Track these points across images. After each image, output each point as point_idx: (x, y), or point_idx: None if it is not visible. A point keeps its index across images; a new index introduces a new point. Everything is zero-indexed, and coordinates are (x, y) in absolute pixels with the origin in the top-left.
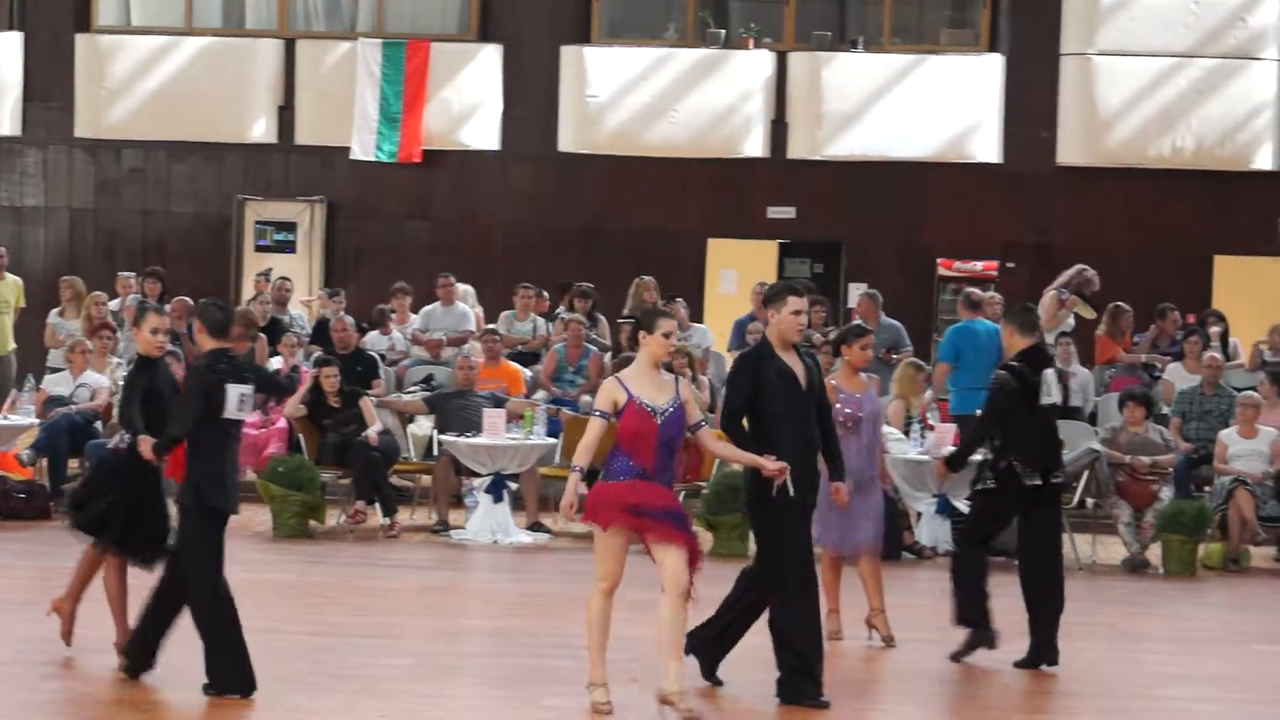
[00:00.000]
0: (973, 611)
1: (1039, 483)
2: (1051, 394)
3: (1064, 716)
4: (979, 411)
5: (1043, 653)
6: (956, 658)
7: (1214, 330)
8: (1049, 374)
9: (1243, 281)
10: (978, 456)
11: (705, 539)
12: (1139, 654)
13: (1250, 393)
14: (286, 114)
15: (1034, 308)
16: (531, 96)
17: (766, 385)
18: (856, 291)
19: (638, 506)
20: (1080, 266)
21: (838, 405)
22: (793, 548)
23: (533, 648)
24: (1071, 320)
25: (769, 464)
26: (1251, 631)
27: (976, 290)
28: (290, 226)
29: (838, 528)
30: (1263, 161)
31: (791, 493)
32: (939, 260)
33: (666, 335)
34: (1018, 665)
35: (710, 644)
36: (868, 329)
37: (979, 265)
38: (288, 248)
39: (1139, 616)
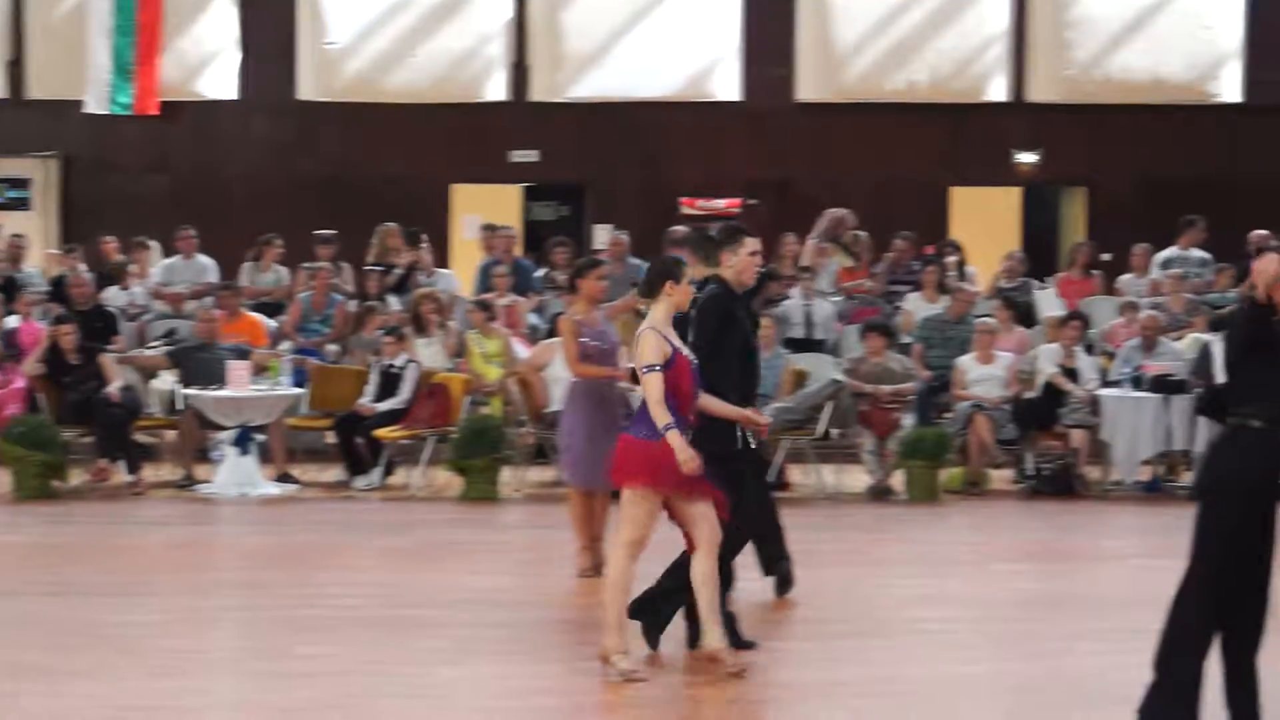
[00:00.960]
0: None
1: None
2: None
3: (815, 641)
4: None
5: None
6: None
7: (950, 260)
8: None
9: (977, 211)
10: None
11: (456, 483)
12: (885, 578)
13: (987, 319)
14: (16, 68)
15: (715, 236)
16: (269, 44)
17: (739, 329)
18: (602, 232)
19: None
20: (831, 211)
21: (582, 340)
22: (751, 498)
23: (284, 598)
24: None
25: (758, 418)
26: (991, 552)
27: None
28: (24, 183)
29: (585, 463)
30: (995, 93)
31: (753, 444)
32: (682, 199)
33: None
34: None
35: (655, 608)
36: (601, 261)
37: (722, 203)
38: (22, 205)
39: (884, 542)
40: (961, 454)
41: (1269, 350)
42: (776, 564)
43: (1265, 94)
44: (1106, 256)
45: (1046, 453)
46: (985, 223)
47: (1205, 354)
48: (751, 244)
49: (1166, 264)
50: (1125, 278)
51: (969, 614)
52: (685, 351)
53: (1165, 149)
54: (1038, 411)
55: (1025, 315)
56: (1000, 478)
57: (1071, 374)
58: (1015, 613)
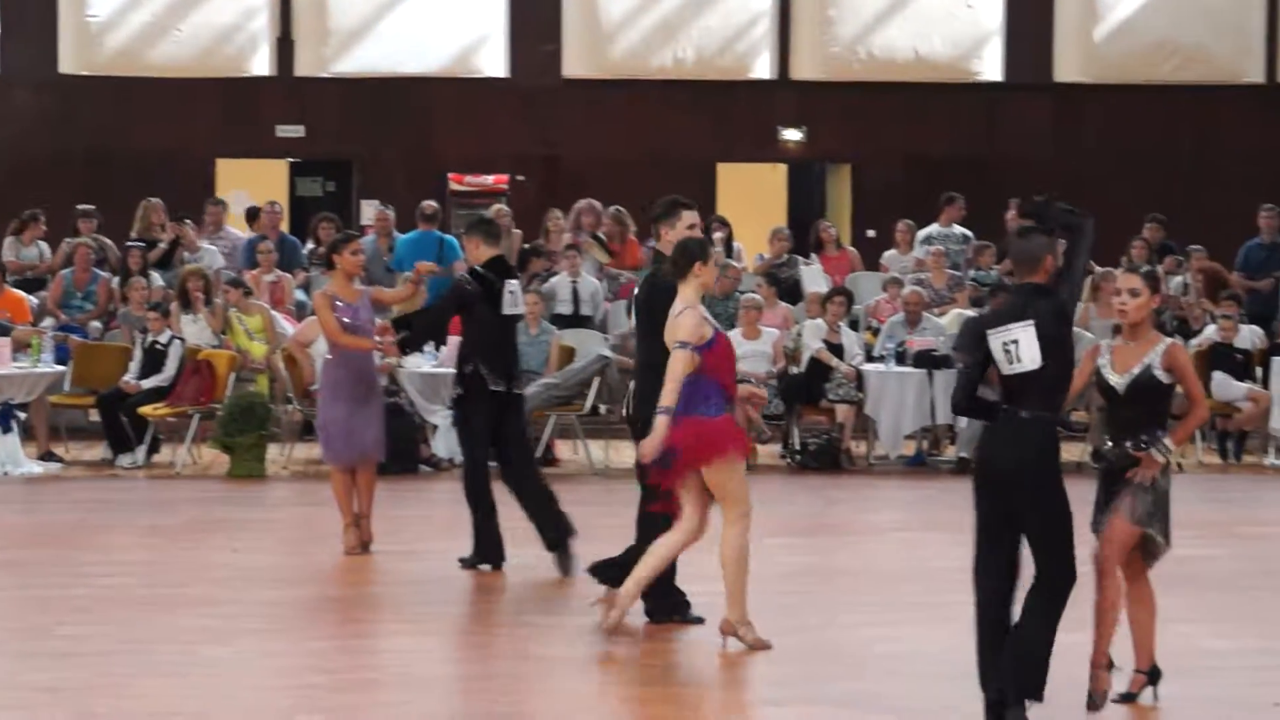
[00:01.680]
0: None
1: (503, 388)
2: (517, 305)
3: (582, 617)
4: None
5: (562, 560)
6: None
7: (718, 236)
8: (513, 284)
9: (744, 187)
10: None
11: (222, 461)
12: None
13: (752, 295)
14: None
15: (494, 220)
16: (30, 17)
17: None
18: (369, 208)
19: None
20: (580, 204)
21: (338, 315)
22: None
23: (46, 578)
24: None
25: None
26: (760, 527)
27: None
28: None
29: (341, 438)
30: (761, 70)
31: None
32: (450, 175)
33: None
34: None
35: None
36: (354, 235)
37: (490, 179)
38: None
39: None
40: None
41: None
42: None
43: (1025, 73)
44: (871, 233)
45: (812, 428)
46: (752, 199)
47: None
48: (689, 217)
49: (928, 240)
50: (889, 254)
51: None
52: (725, 332)
53: (928, 127)
54: (803, 387)
55: (791, 291)
56: (767, 453)
57: (836, 350)
58: (781, 586)
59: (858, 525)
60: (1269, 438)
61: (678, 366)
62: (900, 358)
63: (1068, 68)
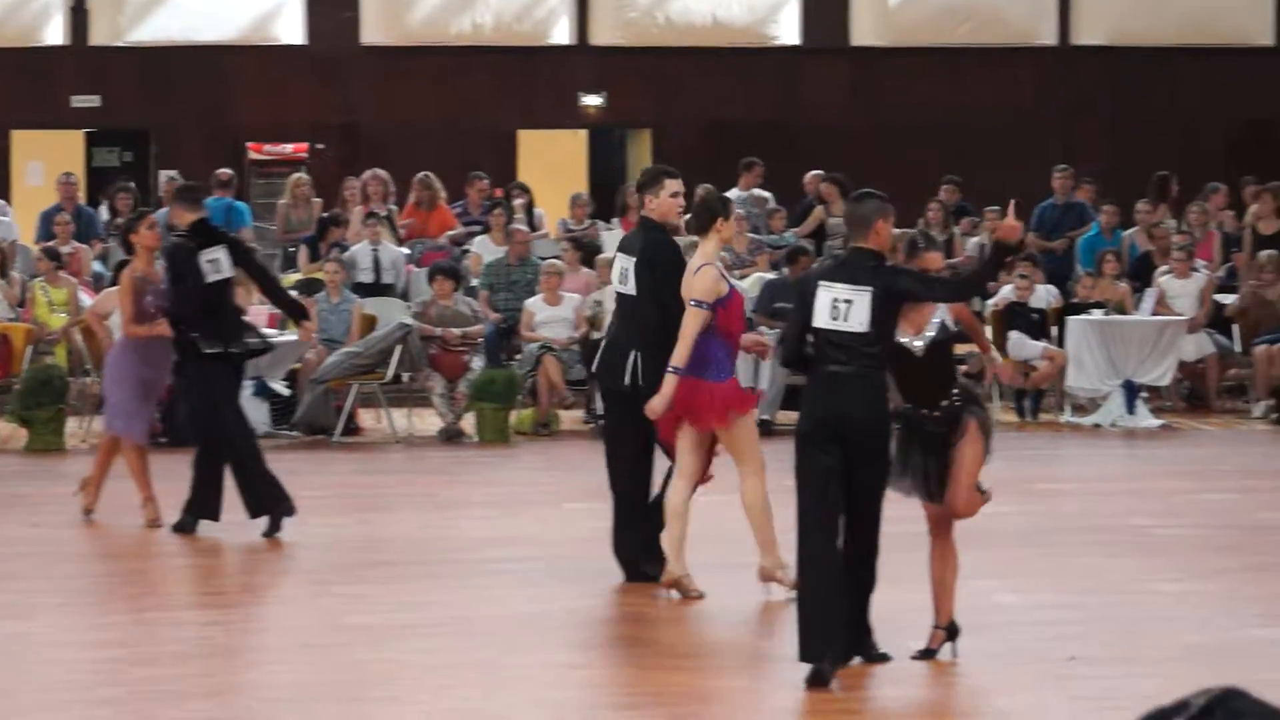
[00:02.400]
0: (263, 493)
1: (219, 350)
2: (219, 271)
3: (385, 584)
4: None
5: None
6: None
7: (518, 202)
8: (212, 252)
9: (545, 154)
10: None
11: (20, 435)
12: (458, 520)
13: (554, 261)
14: None
15: (197, 186)
16: None
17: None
18: (166, 178)
19: None
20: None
21: (146, 299)
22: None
23: None
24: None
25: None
26: (562, 491)
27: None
28: None
29: (128, 415)
30: (560, 36)
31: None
32: (249, 144)
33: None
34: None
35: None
36: (147, 211)
37: (289, 147)
38: None
39: (456, 484)
40: (531, 395)
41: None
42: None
43: (822, 37)
44: None
45: None
46: (553, 165)
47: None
48: (673, 185)
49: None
50: (688, 217)
51: (540, 553)
52: (740, 289)
53: (726, 91)
54: None
55: (592, 257)
56: (570, 418)
57: None
58: (586, 550)
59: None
60: (1064, 395)
61: (691, 324)
62: None
63: (863, 31)
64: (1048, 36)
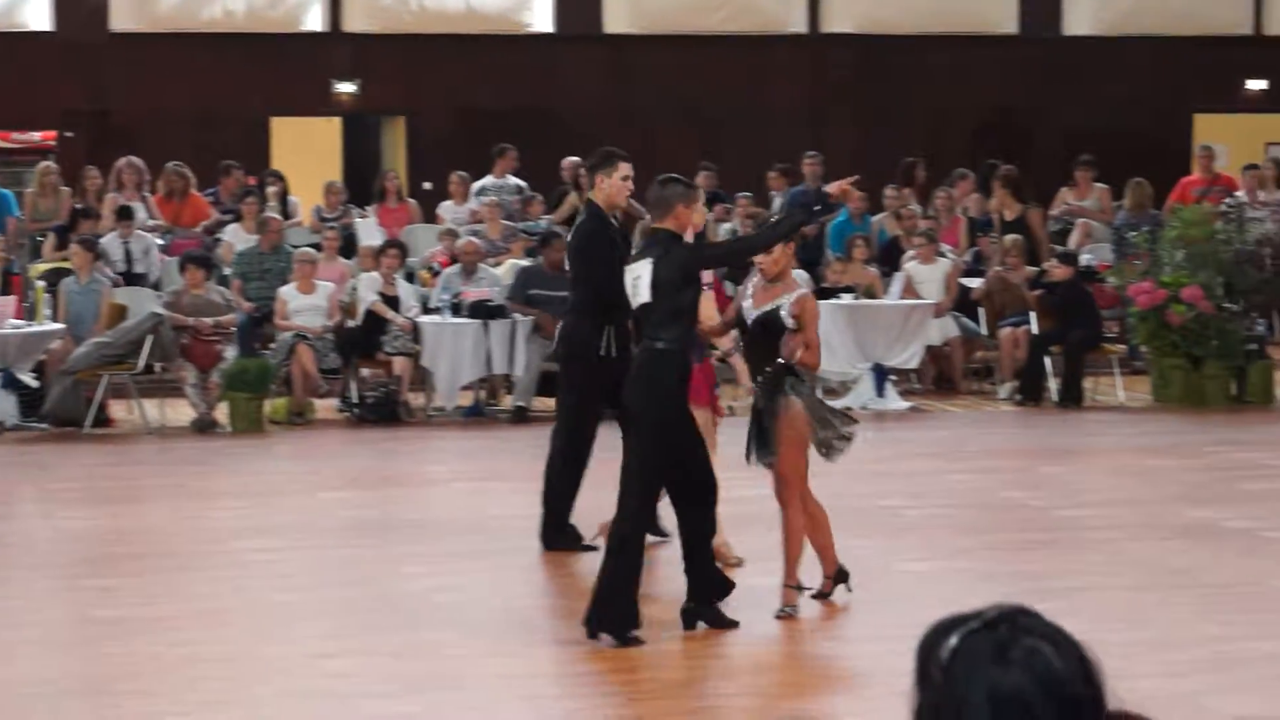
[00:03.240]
0: None
1: None
2: None
3: (136, 577)
4: None
5: None
6: None
7: (272, 190)
8: None
9: (299, 141)
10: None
11: None
12: (211, 510)
13: (307, 249)
14: None
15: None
16: None
17: (614, 249)
18: None
19: None
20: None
21: None
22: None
23: None
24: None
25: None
26: (317, 481)
27: None
28: None
29: None
30: (312, 23)
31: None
32: None
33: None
34: None
35: None
36: None
37: (37, 136)
38: None
39: (209, 475)
40: (285, 384)
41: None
42: None
43: (575, 24)
44: (427, 185)
45: (370, 381)
46: (307, 153)
47: (523, 279)
48: (625, 169)
49: (483, 192)
50: (445, 205)
51: (294, 542)
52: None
53: (480, 78)
54: (360, 340)
55: (346, 245)
56: (325, 407)
57: (392, 302)
58: (341, 539)
59: (417, 477)
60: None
61: (710, 309)
62: (456, 309)
63: (617, 18)
64: (799, 24)
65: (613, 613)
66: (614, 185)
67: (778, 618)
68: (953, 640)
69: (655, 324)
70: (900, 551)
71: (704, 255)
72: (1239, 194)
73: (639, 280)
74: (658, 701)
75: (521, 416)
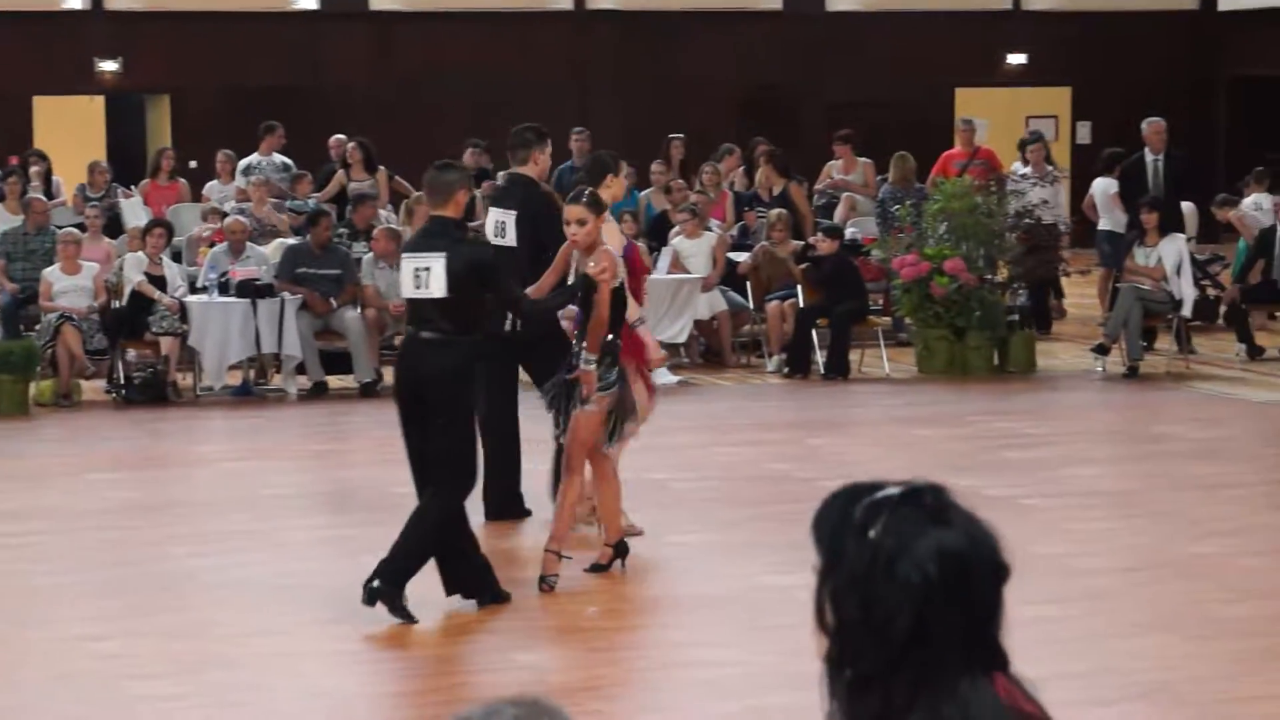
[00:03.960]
0: None
1: None
2: None
3: None
4: None
5: None
6: None
7: (35, 170)
8: None
9: (62, 120)
10: None
11: None
12: None
13: (71, 229)
14: None
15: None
16: None
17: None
18: None
19: None
20: None
21: None
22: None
23: None
24: None
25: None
26: (84, 463)
27: None
28: None
29: None
30: (74, 1)
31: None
32: None
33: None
34: None
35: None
36: None
37: None
38: None
39: None
40: (51, 366)
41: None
42: None
43: (341, 1)
44: (193, 164)
45: (137, 361)
46: (70, 132)
47: (290, 258)
48: (549, 146)
49: (249, 170)
50: (211, 184)
51: (60, 525)
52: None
53: (246, 56)
54: (126, 320)
55: (112, 225)
56: (91, 388)
57: (159, 281)
58: (107, 521)
59: (185, 457)
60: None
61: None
62: (223, 288)
63: None
64: (563, 1)
65: (393, 574)
66: (547, 161)
67: (541, 589)
68: (873, 510)
69: (439, 315)
70: (670, 524)
71: (501, 286)
72: (1019, 167)
73: (429, 274)
74: (428, 678)
75: (371, 391)
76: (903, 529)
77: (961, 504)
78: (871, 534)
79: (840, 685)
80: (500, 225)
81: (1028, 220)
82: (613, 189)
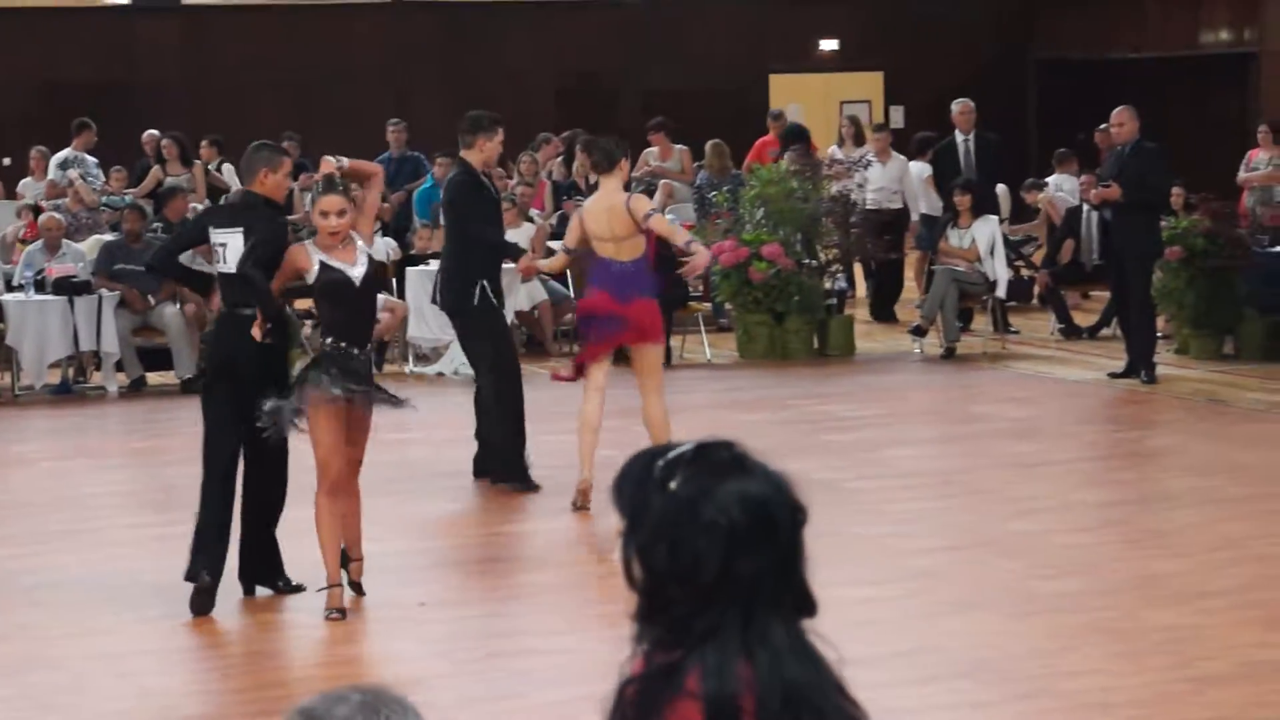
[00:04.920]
0: None
1: None
2: None
3: None
4: None
5: None
6: None
7: None
8: None
9: None
10: None
11: None
12: None
13: None
14: None
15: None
16: None
17: (491, 202)
18: None
19: None
20: None
21: None
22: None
23: None
24: None
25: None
26: None
27: None
28: None
29: None
30: None
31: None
32: None
33: None
34: None
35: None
36: None
37: None
38: None
39: None
40: None
41: None
42: None
43: None
44: (7, 161)
45: None
46: None
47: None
48: (501, 134)
49: (64, 165)
50: (25, 181)
51: None
52: None
53: (58, 52)
54: None
55: None
56: None
57: None
58: None
59: (4, 456)
60: (409, 346)
61: (666, 225)
62: (40, 285)
63: None
64: None
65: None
66: (494, 148)
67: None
68: (672, 465)
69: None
70: (497, 515)
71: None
72: (836, 150)
73: (225, 249)
74: (255, 674)
75: (193, 387)
76: (703, 479)
77: (755, 454)
78: (673, 485)
79: (649, 637)
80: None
81: (841, 204)
82: (624, 171)
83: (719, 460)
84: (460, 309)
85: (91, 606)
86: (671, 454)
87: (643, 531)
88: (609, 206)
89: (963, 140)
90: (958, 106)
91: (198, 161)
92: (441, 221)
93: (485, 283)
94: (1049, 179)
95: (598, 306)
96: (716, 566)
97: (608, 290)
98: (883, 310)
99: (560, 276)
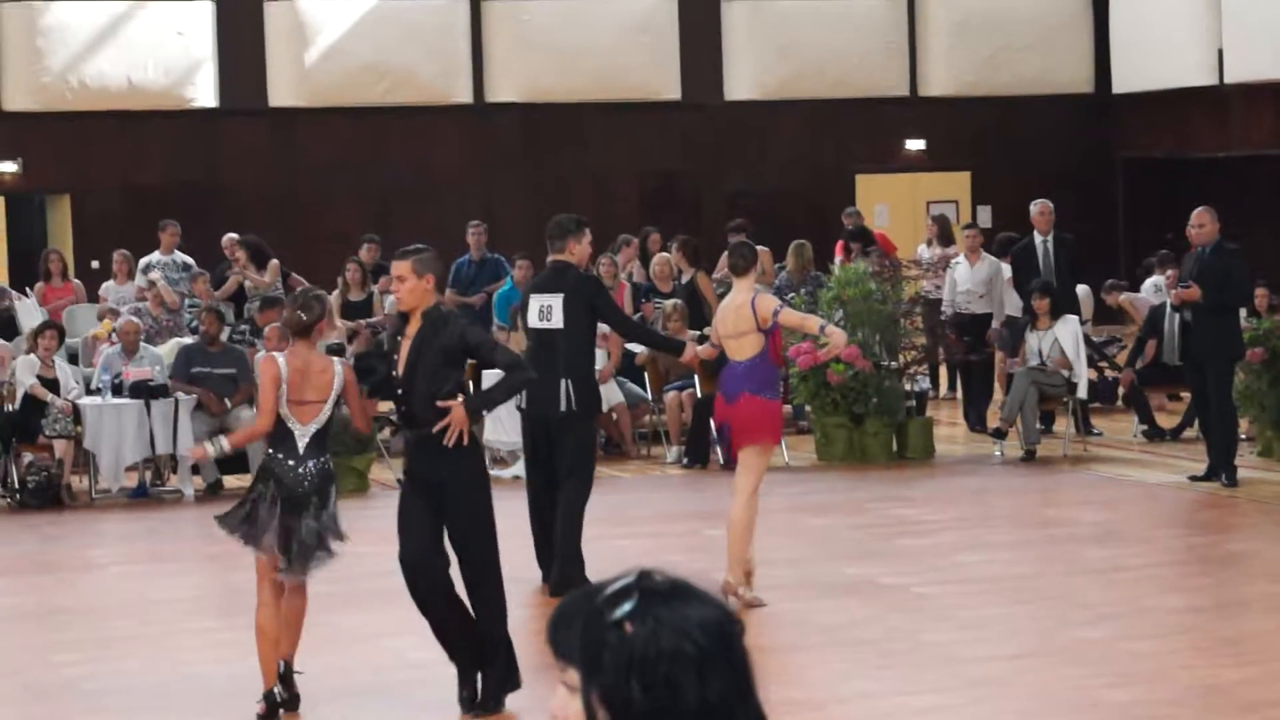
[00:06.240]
0: None
1: None
2: None
3: None
4: None
5: None
6: None
7: None
8: None
9: None
10: None
11: None
12: None
13: None
14: None
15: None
16: None
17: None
18: None
19: None
20: None
21: None
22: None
23: None
24: None
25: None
26: None
27: None
28: None
29: None
30: None
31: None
32: None
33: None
34: None
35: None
36: None
37: None
38: None
39: None
40: None
41: None
42: None
43: (239, 98)
44: (95, 264)
45: (32, 465)
46: None
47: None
48: (589, 235)
49: (147, 269)
50: (107, 284)
51: None
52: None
53: (144, 155)
54: (19, 424)
55: (7, 327)
56: None
57: (52, 384)
58: None
59: (75, 561)
60: (485, 449)
61: (798, 317)
62: (117, 389)
63: (281, 92)
64: (462, 95)
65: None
66: (585, 249)
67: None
68: (615, 601)
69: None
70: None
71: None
72: (923, 250)
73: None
74: None
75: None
76: (655, 611)
77: (680, 576)
78: (625, 622)
79: None
80: (546, 309)
81: (921, 305)
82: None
83: (661, 589)
84: (593, 413)
85: (153, 712)
86: (610, 589)
87: (605, 673)
88: (736, 305)
89: (1041, 241)
90: (1036, 207)
91: (274, 261)
92: (518, 324)
93: (569, 385)
94: (1149, 279)
95: (716, 412)
96: (695, 695)
97: (721, 392)
98: (972, 415)
99: (637, 379)
